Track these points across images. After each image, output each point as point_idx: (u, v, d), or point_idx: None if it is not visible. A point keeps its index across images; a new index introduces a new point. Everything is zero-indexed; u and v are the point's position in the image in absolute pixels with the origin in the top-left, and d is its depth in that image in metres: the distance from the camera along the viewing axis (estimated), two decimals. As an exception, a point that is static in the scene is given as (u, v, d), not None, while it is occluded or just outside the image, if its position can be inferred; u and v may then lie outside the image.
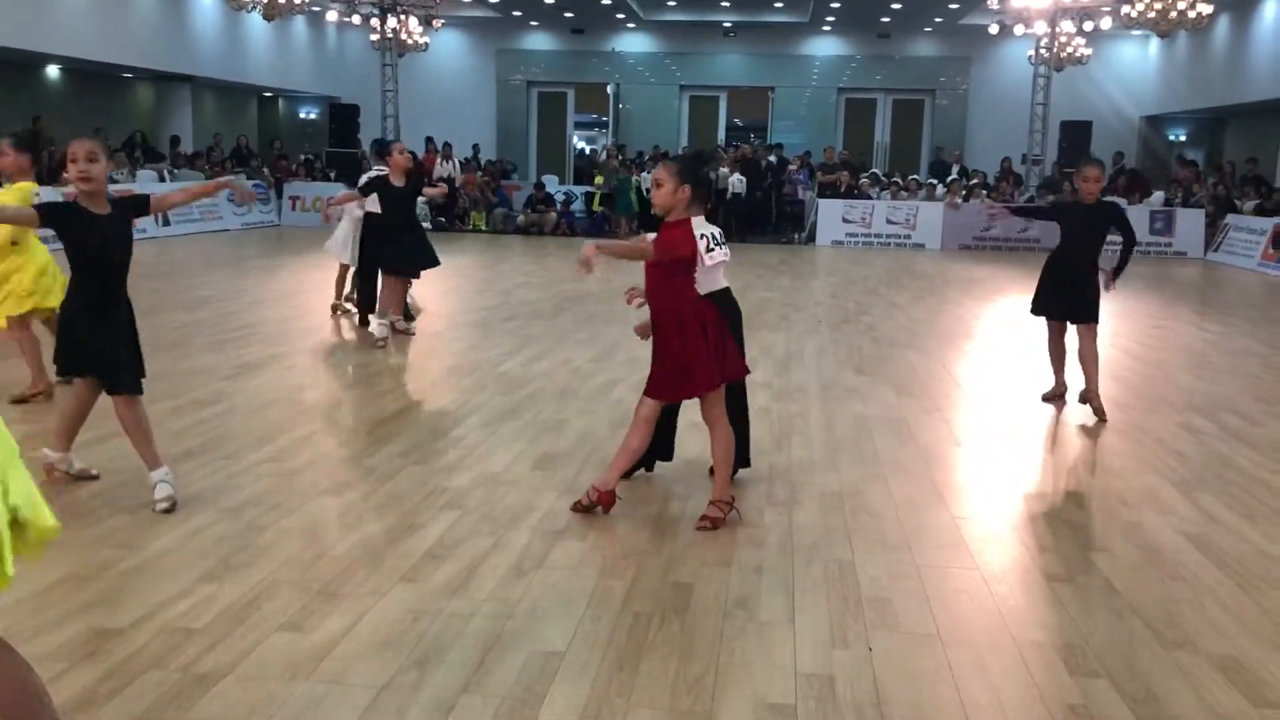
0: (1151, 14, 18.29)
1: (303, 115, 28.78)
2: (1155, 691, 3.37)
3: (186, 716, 3.05)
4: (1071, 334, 7.22)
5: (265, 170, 22.69)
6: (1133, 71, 26.48)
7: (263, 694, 3.19)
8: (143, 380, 5.05)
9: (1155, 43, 25.30)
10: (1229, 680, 3.45)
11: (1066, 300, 7.14)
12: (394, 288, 9.12)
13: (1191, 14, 18.10)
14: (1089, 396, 7.03)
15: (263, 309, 10.88)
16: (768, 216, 22.51)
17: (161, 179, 19.66)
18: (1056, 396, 7.41)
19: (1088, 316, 7.07)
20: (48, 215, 4.67)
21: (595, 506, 4.83)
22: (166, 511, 4.69)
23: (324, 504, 4.94)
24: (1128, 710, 3.25)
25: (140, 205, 4.93)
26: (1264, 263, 17.79)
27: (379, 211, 9.23)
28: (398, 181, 8.87)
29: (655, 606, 3.89)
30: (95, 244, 4.68)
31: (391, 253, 9.03)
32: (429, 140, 23.47)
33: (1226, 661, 3.58)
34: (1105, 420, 6.90)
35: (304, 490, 5.11)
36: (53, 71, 21.36)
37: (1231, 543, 4.74)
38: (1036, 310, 7.40)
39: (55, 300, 6.50)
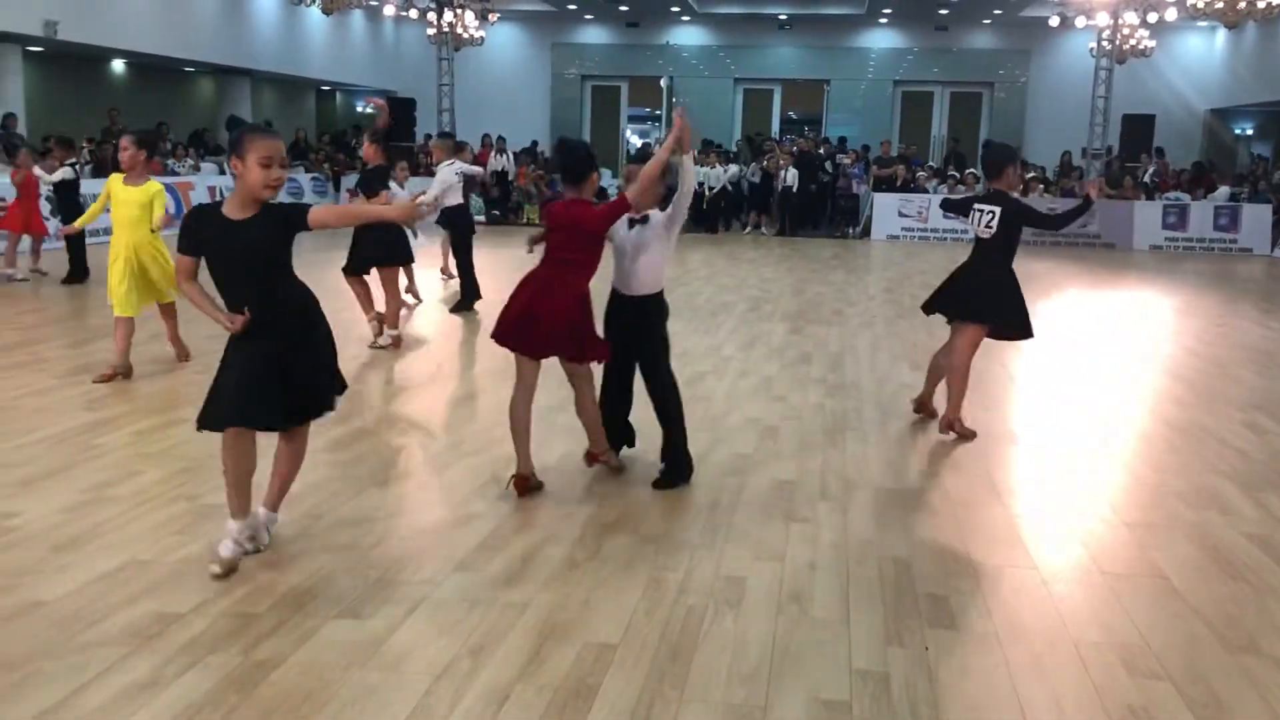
0: (1219, 4, 17.84)
1: (360, 109, 29.06)
2: (1219, 695, 3.30)
3: (247, 701, 3.11)
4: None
5: (325, 165, 22.95)
6: (1198, 63, 25.90)
7: (320, 680, 3.24)
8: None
9: (1222, 33, 24.73)
10: (1295, 685, 3.38)
11: (962, 297, 6.52)
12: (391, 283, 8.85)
13: (1260, 4, 17.64)
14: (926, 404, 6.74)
15: (324, 301, 10.98)
16: (822, 210, 22.35)
17: (222, 172, 19.97)
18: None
19: (966, 314, 6.45)
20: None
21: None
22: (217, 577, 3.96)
23: (381, 493, 5.00)
24: (1190, 714, 3.19)
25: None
26: (1333, 259, 17.34)
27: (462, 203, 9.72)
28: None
29: (708, 600, 3.89)
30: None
31: (383, 248, 8.67)
32: (485, 135, 23.59)
33: (1293, 666, 3.51)
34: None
35: (361, 479, 5.17)
36: (118, 66, 21.78)
37: (1298, 545, 4.64)
38: (929, 306, 6.78)
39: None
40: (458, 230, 10.53)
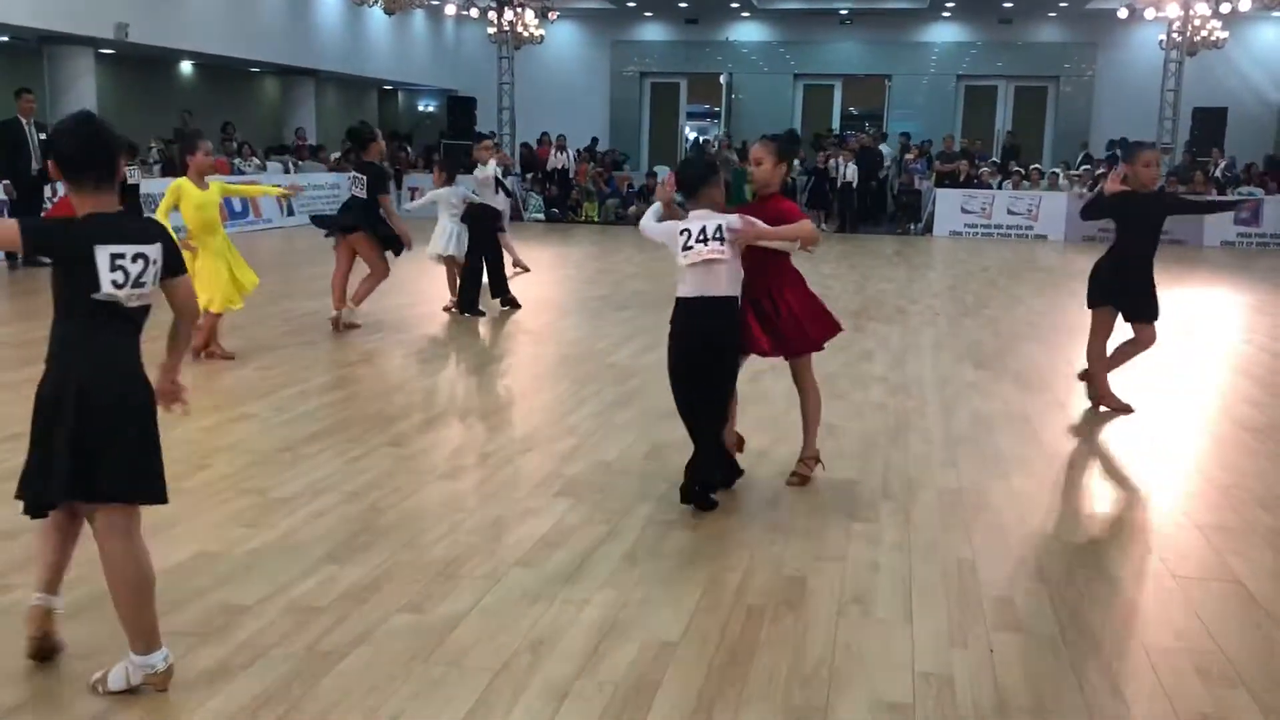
0: (1295, -7, 17.41)
1: (421, 108, 29.35)
2: (1297, 705, 3.21)
3: (312, 692, 3.14)
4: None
5: (385, 162, 23.21)
6: (1273, 54, 25.18)
7: (383, 674, 3.27)
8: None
9: (1298, 24, 24.05)
10: (1378, 696, 3.27)
11: (1129, 293, 6.66)
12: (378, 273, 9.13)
13: (1339, -7, 17.17)
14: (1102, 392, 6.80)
15: (384, 297, 11.09)
16: (883, 206, 22.15)
17: (286, 170, 20.29)
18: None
19: (1150, 314, 6.68)
20: None
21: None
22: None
23: (442, 488, 5.04)
24: (1266, 723, 3.10)
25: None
26: None
27: (486, 203, 9.94)
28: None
29: (769, 599, 3.86)
30: None
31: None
32: (544, 134, 23.70)
33: (1375, 676, 3.40)
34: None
35: (423, 474, 5.22)
36: (186, 67, 22.21)
37: (1380, 551, 4.49)
38: (1092, 298, 6.83)
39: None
40: (475, 230, 10.20)
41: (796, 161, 21.70)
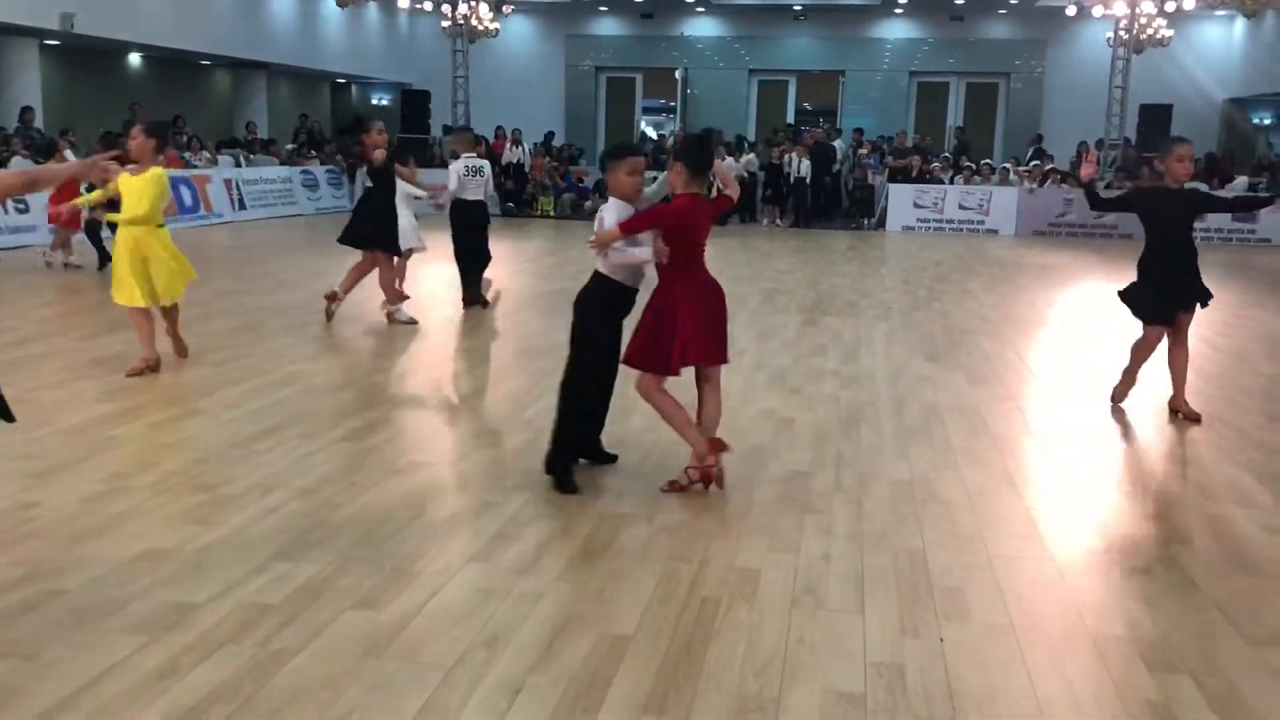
0: (1238, -7, 17.72)
1: (375, 101, 29.10)
2: (1239, 689, 3.28)
3: (263, 690, 3.12)
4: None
5: (338, 156, 23.00)
6: (1217, 53, 25.66)
7: (336, 670, 3.25)
8: None
9: (1241, 23, 24.50)
10: (1315, 679, 3.36)
11: (1185, 293, 6.52)
12: (389, 267, 9.21)
13: (1280, -7, 17.51)
14: (1179, 404, 6.60)
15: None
16: (837, 202, 22.29)
17: (238, 164, 20.06)
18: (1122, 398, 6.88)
19: (1207, 296, 6.56)
20: None
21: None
22: None
23: (397, 483, 5.01)
24: (1209, 707, 3.17)
25: None
26: (1354, 250, 17.21)
27: (470, 198, 9.95)
28: (380, 161, 9.05)
29: (723, 591, 3.89)
30: None
31: (383, 232, 9.09)
32: (499, 128, 23.60)
33: (1313, 660, 3.48)
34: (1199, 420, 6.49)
35: (378, 469, 5.19)
36: (135, 60, 21.86)
37: (1318, 538, 4.60)
38: (1150, 316, 6.61)
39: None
40: (458, 225, 10.19)
41: (753, 157, 21.81)
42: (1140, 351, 6.71)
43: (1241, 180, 20.94)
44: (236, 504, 4.65)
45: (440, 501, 4.78)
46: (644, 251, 4.75)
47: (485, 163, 10.42)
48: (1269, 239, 19.35)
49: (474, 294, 10.22)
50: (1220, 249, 18.31)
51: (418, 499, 4.80)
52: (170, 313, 7.24)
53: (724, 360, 5.01)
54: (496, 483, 5.03)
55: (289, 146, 22.39)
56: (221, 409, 6.21)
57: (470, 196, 10.06)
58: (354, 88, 28.95)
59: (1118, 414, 6.74)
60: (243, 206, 19.06)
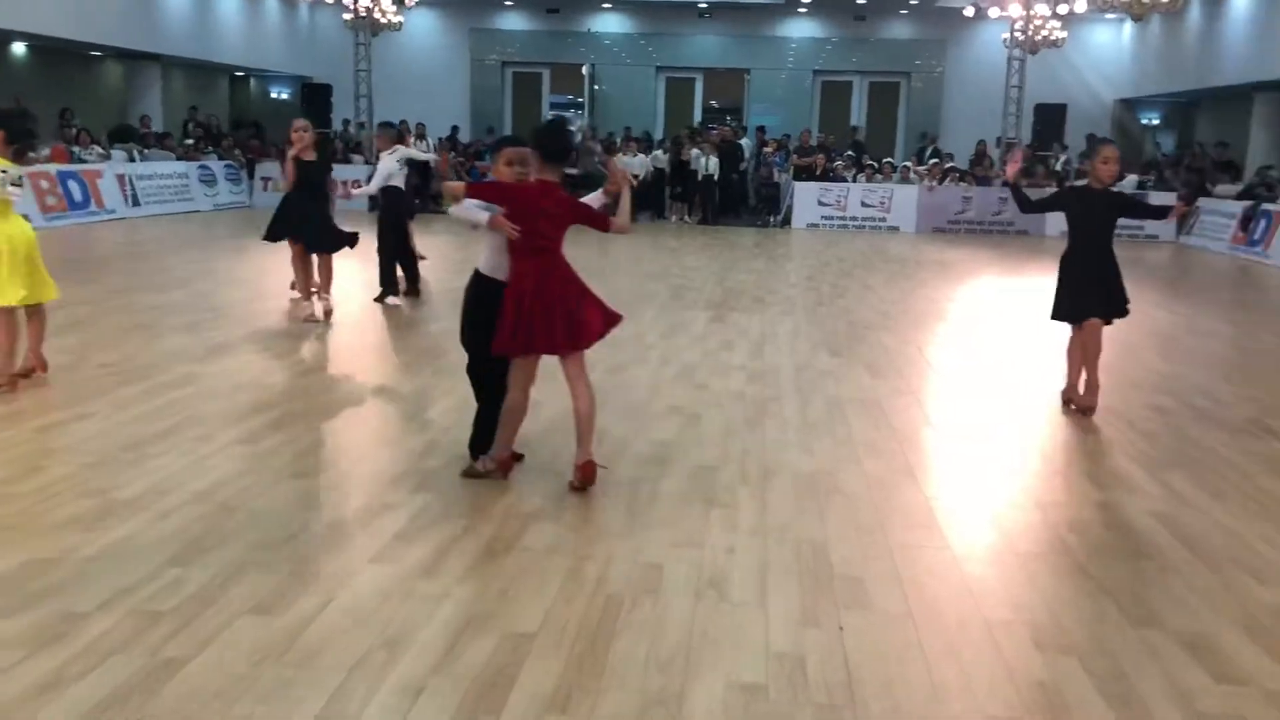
0: (1126, -3, 18.33)
1: (275, 95, 28.45)
2: (1123, 669, 3.40)
3: (153, 700, 3.03)
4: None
5: (236, 151, 22.47)
6: (1107, 55, 26.54)
7: (231, 677, 3.17)
8: None
9: (1129, 26, 25.37)
10: (1194, 658, 3.49)
11: (1102, 300, 6.52)
12: (317, 265, 9.27)
13: (1164, -3, 18.15)
14: (1072, 394, 6.72)
15: (235, 290, 10.79)
16: (743, 199, 22.48)
17: (131, 159, 19.44)
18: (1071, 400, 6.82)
19: (1123, 309, 6.59)
20: None
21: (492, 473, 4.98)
22: None
23: (295, 485, 4.91)
24: (1095, 689, 3.27)
25: None
26: (1234, 246, 17.94)
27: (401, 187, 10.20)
28: (308, 157, 9.09)
29: (627, 588, 3.89)
30: None
31: (310, 230, 9.14)
32: (402, 121, 23.27)
33: (1193, 639, 3.62)
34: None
35: (275, 472, 5.07)
36: (19, 49, 21.02)
37: (1199, 522, 4.79)
38: (1072, 315, 6.62)
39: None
40: (391, 212, 10.40)
41: (661, 153, 21.85)
42: (1073, 350, 6.70)
43: (1131, 178, 21.65)
44: (128, 509, 4.50)
45: (340, 503, 4.70)
46: (479, 215, 4.80)
47: (412, 151, 10.63)
48: (1157, 235, 20.07)
49: (408, 285, 10.43)
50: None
51: (316, 501, 4.72)
52: (38, 320, 6.61)
53: (566, 351, 4.87)
54: (398, 483, 4.96)
55: (187, 141, 21.76)
56: (113, 411, 6.02)
57: (401, 185, 10.39)
58: (253, 81, 28.27)
59: (1012, 405, 6.92)
60: (136, 203, 18.49)
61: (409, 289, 10.53)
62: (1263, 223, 17.32)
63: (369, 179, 10.68)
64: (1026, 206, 6.68)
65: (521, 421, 4.98)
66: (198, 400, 6.35)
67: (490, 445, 5.00)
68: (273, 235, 9.47)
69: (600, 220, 4.99)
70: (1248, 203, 18.25)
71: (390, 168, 10.23)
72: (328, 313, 9.18)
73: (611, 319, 4.99)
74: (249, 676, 3.17)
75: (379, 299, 10.13)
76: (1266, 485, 5.35)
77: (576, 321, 4.83)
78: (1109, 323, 6.66)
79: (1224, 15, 21.99)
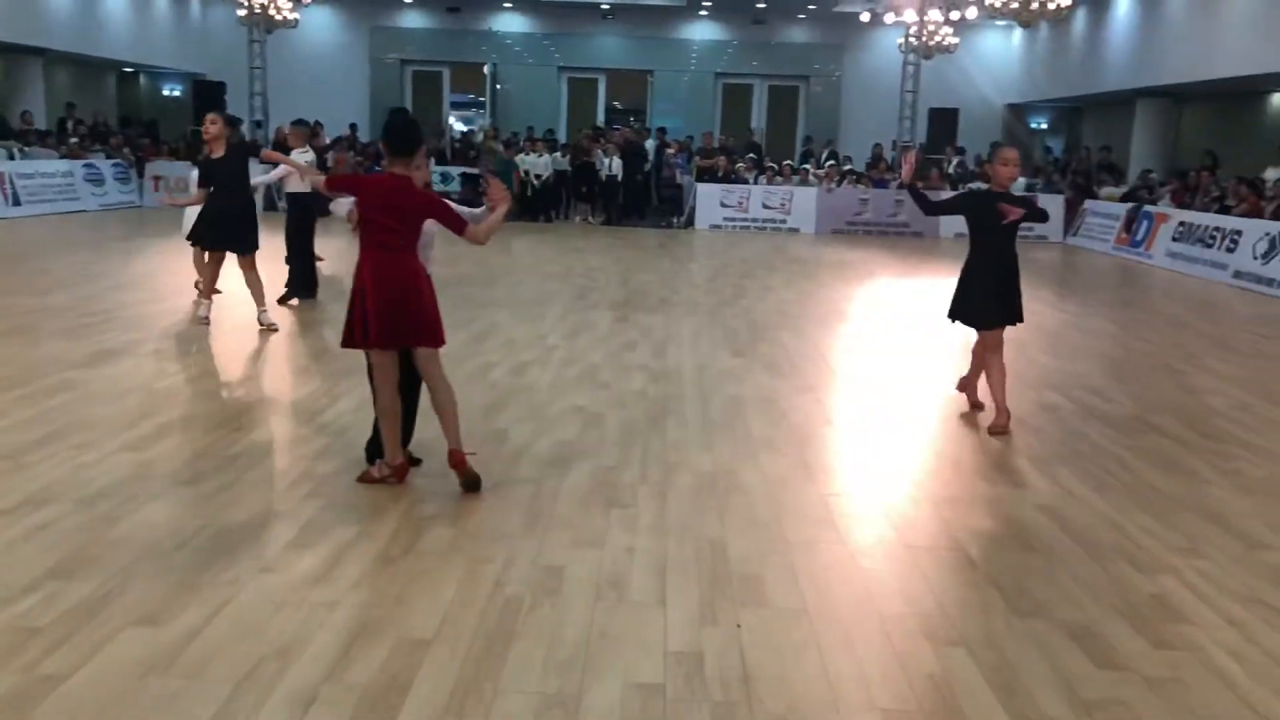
0: (1014, 4, 18.86)
1: (166, 92, 27.65)
2: (1009, 659, 3.49)
3: (27, 719, 2.90)
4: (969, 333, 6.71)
5: (126, 149, 21.76)
6: (998, 61, 27.34)
7: (113, 693, 3.06)
8: None
9: (1019, 33, 26.17)
10: (1078, 645, 3.60)
11: (1001, 307, 6.46)
12: (215, 265, 8.96)
13: (1051, 5, 18.73)
14: (966, 387, 6.85)
15: (122, 293, 10.44)
16: (647, 200, 22.56)
17: (11, 157, 18.68)
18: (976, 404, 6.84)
19: (1018, 316, 6.56)
20: None
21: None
22: None
23: (184, 493, 4.77)
24: (983, 678, 3.35)
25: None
26: (1118, 246, 18.60)
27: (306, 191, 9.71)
28: (217, 153, 8.59)
29: (526, 590, 3.86)
30: None
31: (219, 229, 8.66)
32: (316, 121, 22.82)
33: (1075, 628, 3.73)
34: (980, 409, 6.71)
35: (162, 480, 4.92)
36: (-112, 41, 20.07)
37: (1083, 514, 4.94)
38: (973, 322, 6.52)
39: None
40: (302, 215, 10.23)
41: (560, 155, 21.79)
42: (977, 354, 6.65)
43: (1021, 180, 22.31)
44: (3, 520, 4.32)
45: (230, 511, 4.57)
46: (339, 206, 5.07)
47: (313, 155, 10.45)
48: (1045, 236, 20.69)
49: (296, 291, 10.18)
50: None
51: (205, 509, 4.58)
52: None
53: (400, 345, 4.80)
54: (291, 489, 4.85)
55: (72, 140, 20.99)
56: (-12, 419, 5.77)
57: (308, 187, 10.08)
58: (142, 78, 27.42)
59: (907, 402, 7.06)
60: (17, 202, 17.78)
61: (309, 292, 10.32)
62: (1145, 224, 17.99)
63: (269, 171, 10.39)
64: (928, 208, 6.63)
65: (397, 422, 4.86)
66: (80, 406, 6.12)
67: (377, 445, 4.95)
68: (197, 237, 8.96)
69: (457, 224, 4.84)
70: (1131, 205, 18.96)
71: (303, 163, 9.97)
72: (271, 327, 8.66)
73: (436, 338, 4.85)
74: (133, 691, 3.07)
75: (283, 300, 9.90)
76: (1147, 478, 5.55)
77: (415, 320, 4.73)
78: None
79: (1108, 24, 22.83)
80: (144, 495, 4.69)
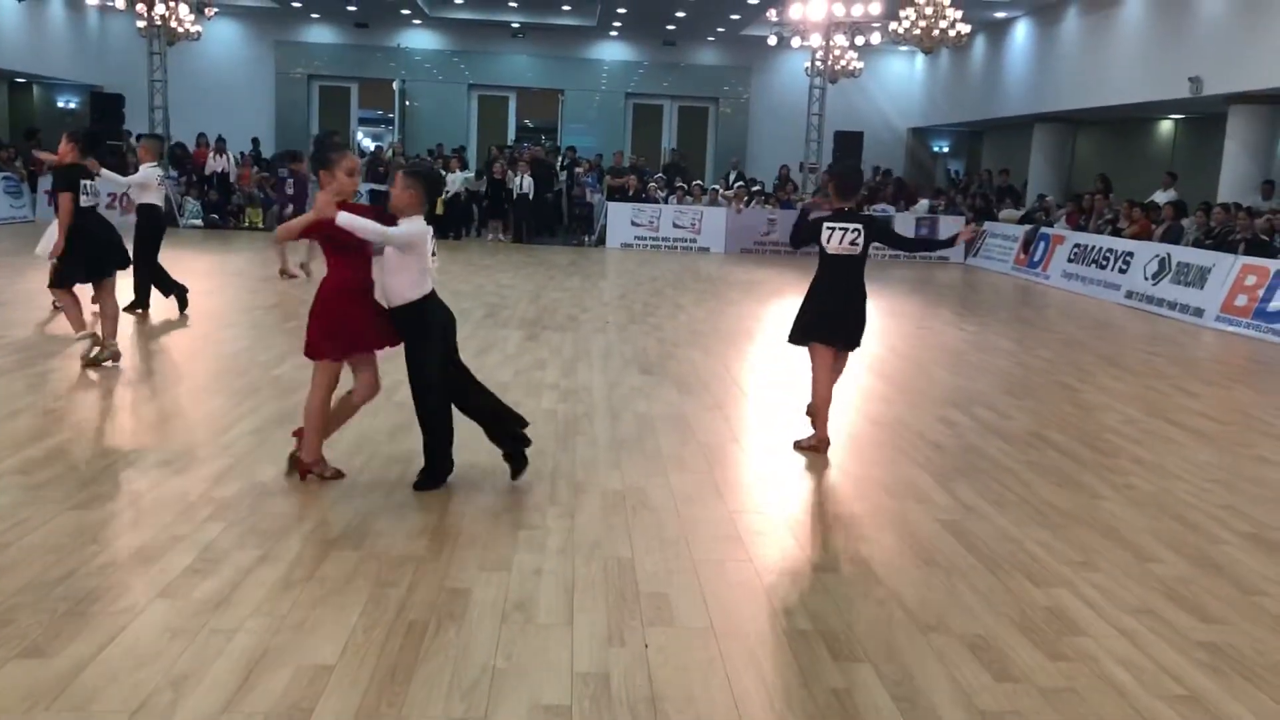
0: (916, 31, 19.35)
1: (62, 104, 26.81)
2: (911, 672, 3.55)
3: (-97, 758, 2.78)
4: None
5: (17, 162, 21.04)
6: (901, 85, 28.04)
7: (-5, 728, 2.94)
8: None
9: (921, 59, 26.84)
10: (976, 658, 3.68)
11: (840, 328, 6.37)
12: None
13: (951, 33, 19.26)
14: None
15: (10, 311, 10.08)
16: (558, 218, 22.56)
17: (-106, 168, 17.92)
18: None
19: (856, 341, 6.44)
20: None
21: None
22: None
23: (75, 518, 4.61)
24: (886, 692, 3.41)
25: None
26: (1016, 267, 19.15)
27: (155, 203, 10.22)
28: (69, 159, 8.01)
29: (431, 614, 3.82)
30: None
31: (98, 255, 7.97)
32: (201, 135, 22.37)
33: (975, 641, 3.82)
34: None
35: (53, 504, 4.75)
36: None
37: (982, 528, 5.07)
38: (799, 339, 6.51)
39: None
40: (149, 228, 10.41)
41: (470, 174, 21.70)
42: (814, 373, 6.47)
43: (924, 202, 22.86)
44: (-121, 550, 4.13)
45: (124, 536, 4.44)
46: (388, 231, 5.17)
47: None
48: (946, 257, 21.21)
49: (145, 300, 10.30)
50: (906, 265, 19.91)
51: (99, 534, 4.44)
52: None
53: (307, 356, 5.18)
54: (188, 513, 4.72)
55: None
56: None
57: (159, 201, 10.49)
58: (36, 89, 26.56)
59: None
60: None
61: (180, 294, 10.47)
62: (1042, 245, 18.56)
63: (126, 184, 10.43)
64: (793, 240, 6.47)
65: (322, 424, 5.20)
66: (-34, 429, 5.88)
67: (437, 477, 5.23)
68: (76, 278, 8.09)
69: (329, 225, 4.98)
70: (1028, 227, 19.55)
71: (148, 177, 10.26)
72: (115, 356, 7.84)
73: (308, 348, 5.17)
74: (16, 726, 2.96)
75: (130, 308, 9.90)
76: (1042, 493, 5.71)
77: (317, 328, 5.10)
78: (840, 355, 6.46)
79: (1006, 52, 23.58)
80: (33, 520, 4.52)
